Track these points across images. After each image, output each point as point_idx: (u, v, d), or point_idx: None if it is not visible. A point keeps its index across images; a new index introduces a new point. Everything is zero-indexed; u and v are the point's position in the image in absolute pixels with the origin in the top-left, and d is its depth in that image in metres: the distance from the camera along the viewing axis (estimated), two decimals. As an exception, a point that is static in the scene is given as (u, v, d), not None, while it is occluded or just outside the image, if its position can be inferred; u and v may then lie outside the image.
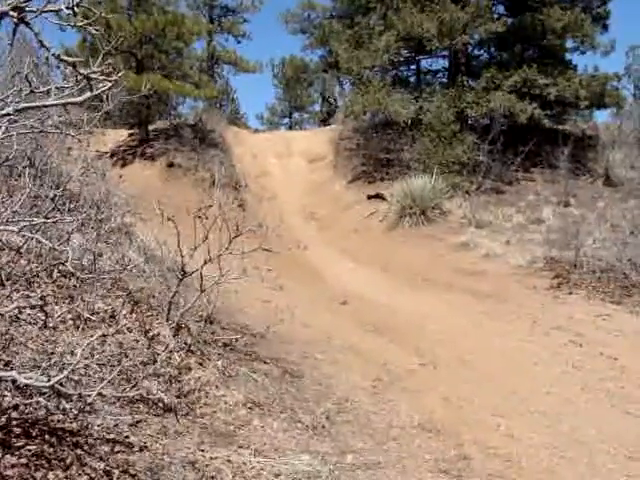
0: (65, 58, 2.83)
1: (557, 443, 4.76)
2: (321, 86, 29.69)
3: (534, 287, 9.18)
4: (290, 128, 30.48)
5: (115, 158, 16.14)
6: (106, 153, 15.99)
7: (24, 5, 2.54)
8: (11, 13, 2.58)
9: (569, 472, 4.36)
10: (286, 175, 16.54)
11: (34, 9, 2.60)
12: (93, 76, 2.82)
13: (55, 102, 3.10)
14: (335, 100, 29.48)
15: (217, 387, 4.48)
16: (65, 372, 2.88)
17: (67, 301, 4.65)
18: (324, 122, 26.49)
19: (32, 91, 3.13)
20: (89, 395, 3.05)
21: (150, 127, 17.49)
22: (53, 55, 2.75)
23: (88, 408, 3.19)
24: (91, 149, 8.03)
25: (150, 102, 16.74)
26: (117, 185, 8.19)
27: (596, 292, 8.62)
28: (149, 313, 5.10)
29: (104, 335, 3.82)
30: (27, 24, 2.60)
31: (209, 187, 14.59)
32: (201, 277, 5.13)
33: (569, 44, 17.11)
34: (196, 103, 20.59)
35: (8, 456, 2.79)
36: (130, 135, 17.74)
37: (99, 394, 3.09)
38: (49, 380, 2.81)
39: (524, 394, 5.70)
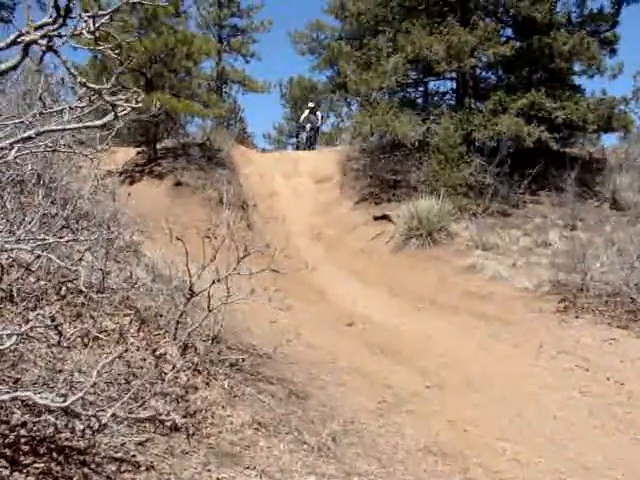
0: (91, 86, 2.87)
1: (563, 468, 4.76)
2: (328, 106, 29.77)
3: (540, 310, 9.17)
4: (297, 148, 30.55)
5: (123, 176, 16.20)
6: (115, 171, 16.06)
7: (54, 34, 2.59)
8: (40, 42, 2.62)
9: (576, 498, 4.35)
10: (293, 195, 16.58)
11: (62, 34, 2.65)
12: (117, 102, 2.86)
13: (76, 126, 3.14)
14: (342, 121, 29.58)
15: (223, 407, 4.48)
16: (80, 393, 2.89)
17: (75, 319, 4.67)
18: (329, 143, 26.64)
19: (46, 110, 3.18)
20: (103, 416, 3.06)
21: (158, 146, 17.56)
22: (80, 83, 2.79)
23: (96, 426, 3.19)
24: (101, 167, 8.07)
25: (159, 121, 16.81)
26: (125, 203, 8.20)
27: (603, 316, 8.60)
28: (156, 332, 5.11)
29: (120, 356, 3.83)
30: (55, 52, 2.64)
31: (216, 206, 14.59)
32: (209, 297, 5.15)
33: (577, 67, 17.14)
34: (204, 122, 20.67)
35: (16, 473, 2.79)
36: (138, 153, 17.81)
37: (112, 414, 3.10)
38: (64, 401, 2.82)
39: (530, 418, 5.69)
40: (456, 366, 7.11)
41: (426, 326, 8.80)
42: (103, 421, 3.10)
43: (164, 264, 6.86)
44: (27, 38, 2.60)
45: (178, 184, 15.74)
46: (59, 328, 4.05)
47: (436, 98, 19.39)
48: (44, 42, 2.60)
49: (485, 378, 6.73)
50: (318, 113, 24.48)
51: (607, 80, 17.44)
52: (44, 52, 2.67)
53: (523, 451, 5.06)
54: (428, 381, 6.64)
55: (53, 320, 4.51)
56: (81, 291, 4.89)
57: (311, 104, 24.70)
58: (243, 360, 5.55)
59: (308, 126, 24.23)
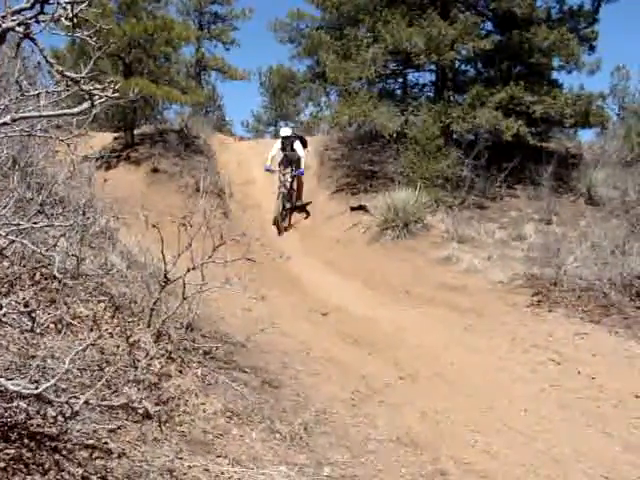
0: (69, 74, 2.85)
1: (533, 461, 4.81)
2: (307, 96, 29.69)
3: (514, 304, 9.23)
4: (275, 136, 30.47)
5: (100, 162, 16.07)
6: (91, 156, 15.92)
7: (31, 22, 2.56)
8: (17, 29, 2.60)
9: (544, 490, 4.40)
10: (270, 184, 16.47)
11: (40, 20, 2.62)
12: (94, 91, 2.85)
13: (53, 113, 3.12)
14: (321, 110, 29.46)
15: (196, 395, 4.48)
16: (52, 380, 2.87)
17: (49, 305, 4.64)
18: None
19: (23, 94, 3.14)
20: (75, 403, 3.04)
21: (136, 132, 17.44)
22: (57, 71, 2.77)
23: (68, 413, 3.17)
24: (77, 152, 8.01)
25: (136, 107, 16.70)
26: (102, 189, 8.14)
27: (576, 311, 8.66)
28: (130, 319, 5.10)
29: (92, 344, 3.81)
30: (32, 39, 2.62)
31: (193, 193, 14.58)
32: (184, 285, 5.14)
33: (555, 63, 17.21)
34: (182, 108, 20.55)
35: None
36: (115, 139, 17.69)
37: (85, 402, 3.09)
38: (37, 387, 2.80)
39: (501, 411, 5.75)
40: (430, 358, 7.15)
41: (401, 317, 8.83)
42: (75, 408, 3.09)
43: (139, 251, 6.83)
44: (4, 25, 2.57)
45: (155, 171, 15.67)
46: (32, 314, 4.02)
47: (415, 90, 19.36)
48: (21, 29, 2.58)
49: (458, 370, 6.78)
50: (297, 144, 15.78)
51: (585, 76, 17.55)
52: (21, 39, 2.65)
53: (493, 442, 5.10)
54: (401, 372, 6.67)
55: (27, 306, 4.48)
56: (55, 277, 4.87)
57: (285, 130, 16.34)
58: (217, 348, 5.56)
59: (282, 173, 15.59)
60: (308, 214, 15.95)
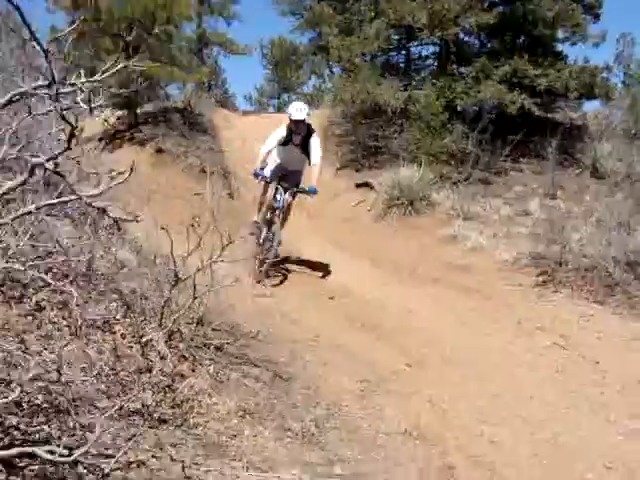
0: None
1: (539, 450, 4.92)
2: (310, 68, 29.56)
3: (520, 284, 9.30)
4: (279, 109, 30.38)
5: (103, 142, 16.12)
6: (95, 137, 15.98)
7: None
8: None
9: (549, 482, 4.51)
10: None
11: None
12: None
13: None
14: (324, 82, 29.33)
15: (210, 395, 4.58)
16: (85, 447, 2.93)
17: (62, 307, 4.72)
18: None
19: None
20: (106, 465, 3.10)
21: (139, 111, 17.39)
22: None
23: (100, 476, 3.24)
24: (83, 134, 8.03)
25: (139, 86, 16.64)
26: (108, 172, 8.17)
27: (580, 291, 8.74)
28: (142, 317, 5.18)
29: (100, 352, 3.90)
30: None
31: (198, 174, 14.60)
32: (194, 286, 5.21)
33: (560, 34, 17.14)
34: (185, 86, 20.47)
35: (13, 477, 2.88)
36: (118, 119, 17.64)
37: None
38: (70, 455, 2.86)
39: (507, 398, 5.84)
40: (436, 342, 7.23)
41: (407, 299, 8.89)
42: (105, 471, 3.14)
43: (147, 242, 6.86)
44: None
45: (159, 151, 15.65)
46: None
47: (419, 62, 19.32)
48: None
49: (465, 355, 6.86)
50: (314, 141, 9.61)
51: (590, 47, 17.46)
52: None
53: (500, 433, 5.20)
54: (408, 358, 6.76)
55: (39, 307, 4.58)
56: (67, 275, 4.95)
57: (299, 109, 9.49)
58: (228, 344, 5.65)
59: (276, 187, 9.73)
60: None
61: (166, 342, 4.90)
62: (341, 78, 18.12)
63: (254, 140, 18.05)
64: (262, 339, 6.35)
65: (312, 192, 9.45)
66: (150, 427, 3.85)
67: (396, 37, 18.37)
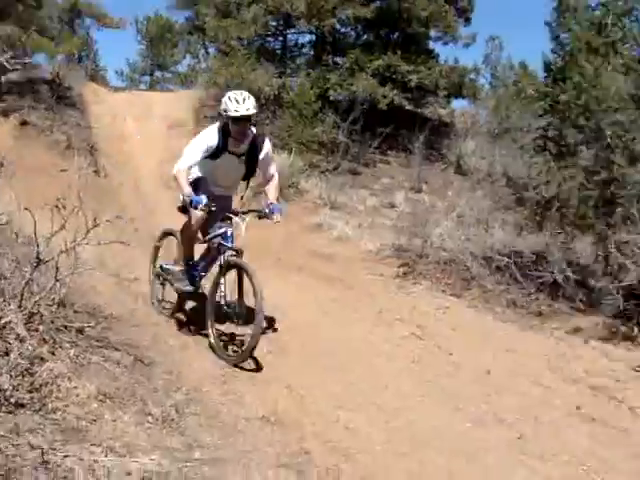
0: None
1: (392, 438, 5.04)
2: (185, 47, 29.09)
3: (381, 275, 9.50)
4: (151, 87, 29.72)
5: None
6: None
7: None
8: None
9: (401, 468, 4.63)
10: (145, 140, 16.14)
11: None
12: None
13: None
14: (199, 62, 28.86)
15: (69, 379, 4.41)
16: None
17: None
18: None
19: None
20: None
21: (3, 79, 16.60)
22: None
23: None
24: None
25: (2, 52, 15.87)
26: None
27: (439, 284, 9.03)
28: (1, 299, 4.94)
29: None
30: None
31: (64, 150, 14.09)
32: (56, 269, 5.02)
33: (433, 34, 17.67)
34: (54, 56, 19.66)
35: None
36: (-21, 85, 16.81)
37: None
38: None
39: (364, 387, 5.96)
40: (298, 331, 7.25)
41: (270, 287, 8.86)
42: None
43: (9, 220, 6.55)
44: None
45: (24, 124, 14.97)
46: None
47: (295, 50, 19.36)
48: None
49: (325, 344, 6.94)
50: (267, 145, 6.77)
51: (460, 48, 18.09)
52: None
53: (356, 419, 5.30)
54: (271, 345, 6.77)
55: None
56: None
57: (243, 99, 6.34)
58: (90, 326, 5.47)
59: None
60: None
61: (25, 324, 4.69)
62: (216, 59, 17.92)
63: (124, 118, 17.72)
64: (124, 322, 6.19)
65: (277, 212, 6.50)
66: (7, 412, 3.68)
67: (273, 23, 18.34)
